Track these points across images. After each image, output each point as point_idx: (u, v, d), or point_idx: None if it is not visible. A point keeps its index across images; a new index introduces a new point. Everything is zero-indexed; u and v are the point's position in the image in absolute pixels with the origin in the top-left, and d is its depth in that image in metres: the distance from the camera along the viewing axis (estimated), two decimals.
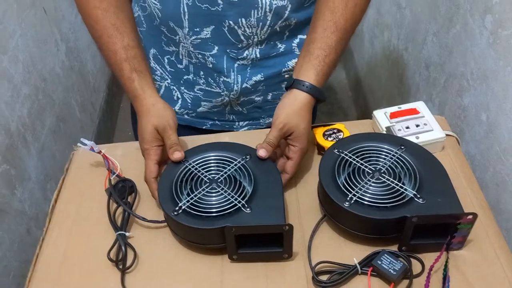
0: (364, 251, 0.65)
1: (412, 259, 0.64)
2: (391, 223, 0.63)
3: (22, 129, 1.27)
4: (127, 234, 0.70)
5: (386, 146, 0.72)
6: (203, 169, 0.71)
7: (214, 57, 0.82)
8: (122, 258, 0.67)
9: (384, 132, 0.79)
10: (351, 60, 2.12)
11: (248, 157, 0.72)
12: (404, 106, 0.83)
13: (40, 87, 1.41)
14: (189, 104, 0.91)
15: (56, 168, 1.43)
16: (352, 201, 0.64)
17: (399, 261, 0.62)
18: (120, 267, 0.66)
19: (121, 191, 0.73)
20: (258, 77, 0.86)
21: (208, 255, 0.68)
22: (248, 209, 0.64)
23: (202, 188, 0.68)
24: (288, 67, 0.87)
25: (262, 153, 0.71)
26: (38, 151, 1.35)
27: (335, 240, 0.68)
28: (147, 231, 0.71)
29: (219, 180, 0.69)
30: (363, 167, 0.69)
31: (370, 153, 0.71)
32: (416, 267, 0.64)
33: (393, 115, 0.81)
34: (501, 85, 0.85)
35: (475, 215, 0.60)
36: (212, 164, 0.72)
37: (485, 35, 0.90)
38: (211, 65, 0.83)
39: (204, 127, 0.95)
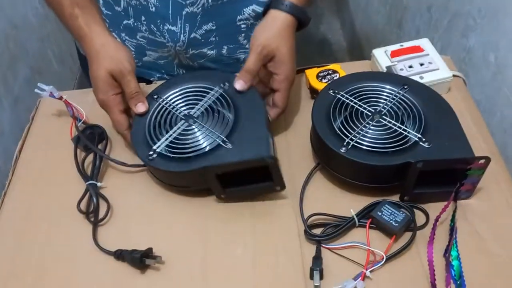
0: (363, 201, 0.59)
1: (415, 210, 0.58)
2: (392, 170, 0.56)
3: None
4: (98, 184, 0.62)
5: (387, 86, 0.64)
6: (178, 104, 0.63)
7: None
8: (93, 210, 0.60)
9: (385, 70, 0.71)
10: (346, 8, 2.01)
11: (226, 84, 0.64)
12: (407, 44, 0.75)
13: (11, 35, 1.30)
14: (132, 52, 0.78)
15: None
16: (349, 146, 0.57)
17: (401, 212, 0.56)
18: (92, 219, 0.60)
19: (90, 138, 0.65)
20: (209, 26, 0.74)
21: (190, 204, 0.61)
22: (229, 145, 0.58)
23: (177, 126, 0.60)
24: (244, 14, 0.75)
25: (239, 85, 0.62)
26: (11, 104, 1.26)
27: (330, 191, 0.62)
28: (120, 180, 0.64)
29: (195, 115, 0.61)
30: (361, 109, 0.61)
31: (369, 94, 0.63)
32: (419, 218, 0.58)
33: (394, 54, 0.73)
34: None
35: (488, 159, 0.54)
36: (187, 98, 0.64)
37: None
38: (153, 9, 0.71)
39: (151, 79, 0.83)
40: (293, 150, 0.66)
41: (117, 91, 0.63)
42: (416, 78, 0.69)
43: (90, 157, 0.65)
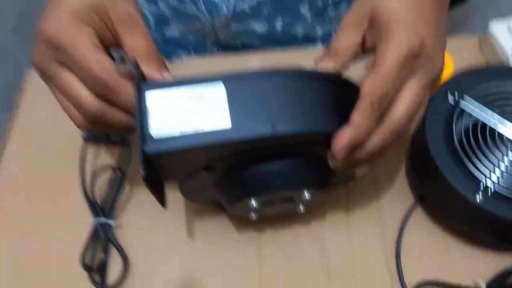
0: (489, 262, 0.41)
1: None
2: None
3: None
4: (112, 223, 0.44)
5: None
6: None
7: None
8: (100, 267, 0.42)
9: (511, 59, 0.50)
10: None
11: None
12: None
13: None
14: (150, 24, 0.58)
15: (21, 77, 1.14)
16: (489, 193, 0.38)
17: None
18: (97, 281, 0.42)
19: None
20: None
21: (236, 260, 0.43)
22: None
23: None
24: None
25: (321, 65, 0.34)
26: None
27: (439, 242, 0.43)
28: (140, 216, 0.45)
29: None
30: (497, 129, 0.41)
31: (507, 102, 0.43)
32: None
33: None
34: None
35: None
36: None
37: None
38: None
39: (172, 58, 0.58)
40: (381, 177, 0.47)
41: (96, 29, 0.34)
42: None
43: (105, 173, 0.46)
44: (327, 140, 0.31)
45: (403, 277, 0.41)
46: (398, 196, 0.46)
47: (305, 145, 0.33)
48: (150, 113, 0.30)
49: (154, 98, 0.30)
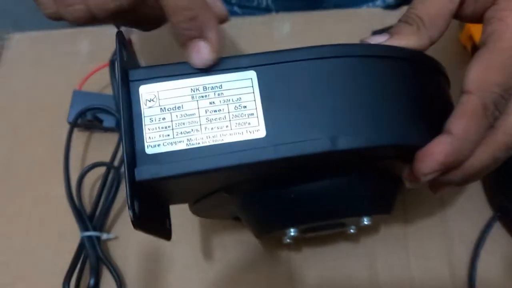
0: None
1: None
2: None
3: None
4: (104, 236, 0.34)
5: None
6: None
7: None
8: None
9: None
10: None
11: None
12: None
13: None
14: None
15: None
16: None
17: None
18: None
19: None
20: None
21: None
22: None
23: None
24: None
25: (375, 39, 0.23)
26: None
27: None
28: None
29: None
30: None
31: None
32: None
33: None
34: None
35: None
36: None
37: None
38: None
39: None
40: None
41: None
42: None
43: (97, 170, 0.36)
44: (407, 153, 0.21)
45: None
46: (470, 207, 0.35)
47: (370, 160, 0.23)
48: (144, 118, 0.20)
49: (151, 95, 0.20)
